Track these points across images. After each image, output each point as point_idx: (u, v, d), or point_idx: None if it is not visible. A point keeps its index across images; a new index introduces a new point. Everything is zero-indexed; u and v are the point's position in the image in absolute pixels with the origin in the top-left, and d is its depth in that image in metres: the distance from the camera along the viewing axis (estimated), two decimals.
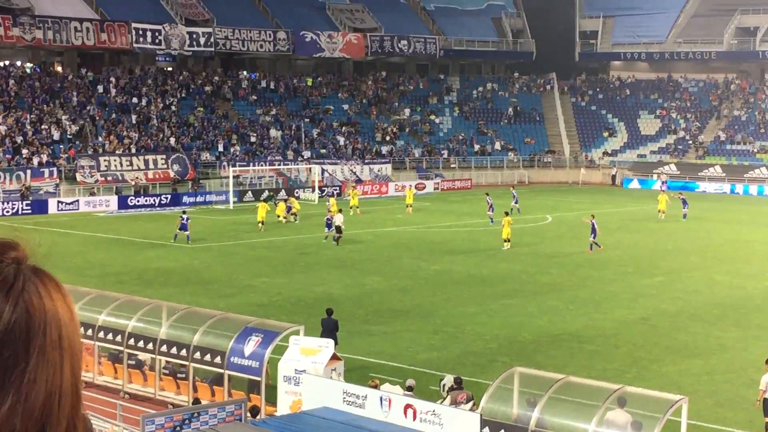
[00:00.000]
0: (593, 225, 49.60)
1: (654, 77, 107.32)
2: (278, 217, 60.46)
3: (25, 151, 71.93)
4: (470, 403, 22.08)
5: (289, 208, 61.87)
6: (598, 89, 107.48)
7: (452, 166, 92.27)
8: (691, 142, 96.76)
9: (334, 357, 23.98)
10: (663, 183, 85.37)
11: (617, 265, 45.83)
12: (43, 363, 1.80)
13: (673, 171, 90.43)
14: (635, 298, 38.16)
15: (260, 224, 57.26)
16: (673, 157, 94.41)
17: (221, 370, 24.52)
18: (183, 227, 52.51)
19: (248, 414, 21.55)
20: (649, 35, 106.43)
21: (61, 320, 1.84)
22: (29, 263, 1.90)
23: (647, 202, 70.93)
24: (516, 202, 65.09)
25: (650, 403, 20.33)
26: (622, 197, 79.64)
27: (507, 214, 51.50)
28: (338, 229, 52.10)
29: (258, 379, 23.98)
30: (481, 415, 20.12)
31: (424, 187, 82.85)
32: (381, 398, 21.70)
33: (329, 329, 27.38)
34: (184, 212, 55.60)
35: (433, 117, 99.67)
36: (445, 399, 22.73)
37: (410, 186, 75.50)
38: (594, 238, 49.63)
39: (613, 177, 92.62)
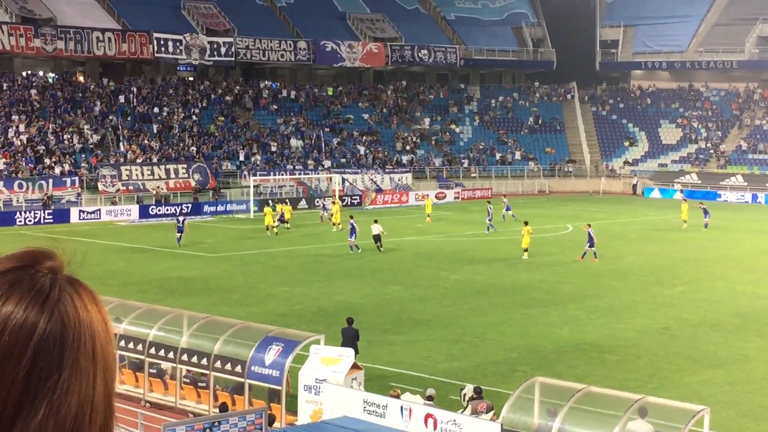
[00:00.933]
0: (590, 234, 49.53)
1: (675, 86, 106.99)
2: (266, 228, 59.78)
3: (47, 161, 72.30)
4: (491, 413, 22.04)
5: (282, 217, 61.48)
6: (618, 98, 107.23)
7: (473, 175, 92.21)
8: (712, 151, 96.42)
9: (355, 366, 23.97)
10: (680, 192, 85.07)
11: (638, 274, 45.66)
12: (77, 375, 1.79)
13: (694, 180, 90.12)
14: (656, 308, 38.01)
15: (267, 230, 59.01)
16: (694, 166, 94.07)
17: (242, 379, 24.54)
18: (179, 230, 53.46)
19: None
20: (670, 44, 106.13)
21: (95, 332, 1.83)
22: (65, 273, 1.89)
23: (668, 212, 70.71)
24: (508, 209, 65.79)
25: (672, 413, 20.26)
26: (642, 207, 79.38)
27: (526, 223, 51.35)
28: (376, 238, 51.94)
29: (278, 388, 23.99)
30: (501, 425, 20.08)
31: (445, 197, 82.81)
32: (401, 408, 21.70)
33: (350, 338, 27.36)
34: (181, 213, 56.42)
35: (453, 126, 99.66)
36: (465, 409, 22.69)
37: (429, 196, 75.33)
38: (591, 246, 49.52)
39: (634, 186, 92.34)
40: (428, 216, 66.31)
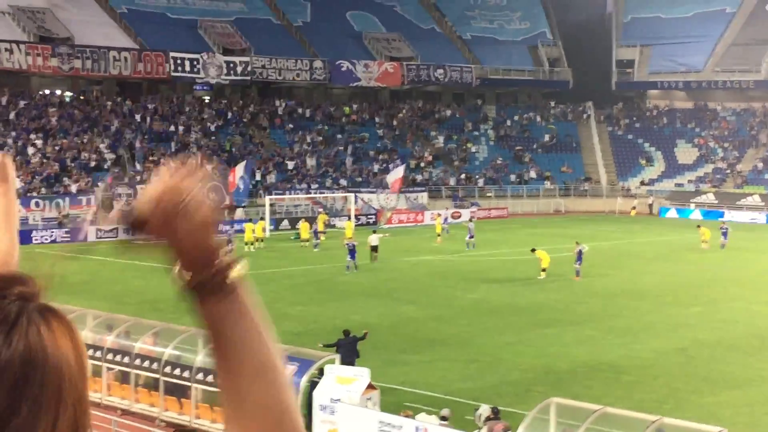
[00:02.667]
0: (580, 252, 49.54)
1: (691, 106, 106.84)
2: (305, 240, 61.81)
3: (63, 179, 72.55)
4: None
5: (315, 232, 62.60)
6: (635, 118, 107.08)
7: (488, 194, 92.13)
8: (729, 171, 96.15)
9: (370, 386, 23.91)
10: (698, 228, 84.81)
11: (655, 295, 45.48)
12: (35, 414, 1.59)
13: (711, 200, 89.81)
14: (673, 329, 37.82)
15: (304, 242, 61.91)
16: (711, 186, 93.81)
17: None
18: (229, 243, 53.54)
19: None
20: (686, 64, 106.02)
21: (64, 367, 1.63)
22: (38, 301, 1.67)
23: (684, 232, 70.45)
24: (471, 237, 62.52)
25: None
26: (659, 226, 79.12)
27: (533, 251, 51.20)
28: (374, 249, 54.39)
29: None
30: None
31: (460, 216, 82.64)
32: (416, 428, 21.61)
33: (347, 346, 27.84)
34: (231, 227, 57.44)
35: (469, 145, 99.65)
36: (481, 429, 22.60)
37: (439, 214, 74.33)
38: (578, 264, 49.52)
39: (650, 206, 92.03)
40: (438, 236, 66.12)
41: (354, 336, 28.74)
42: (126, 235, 1.90)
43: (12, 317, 1.61)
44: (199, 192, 1.86)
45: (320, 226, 64.60)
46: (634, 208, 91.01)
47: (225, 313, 1.87)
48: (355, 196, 79.74)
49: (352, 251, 51.58)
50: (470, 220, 70.16)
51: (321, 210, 74.23)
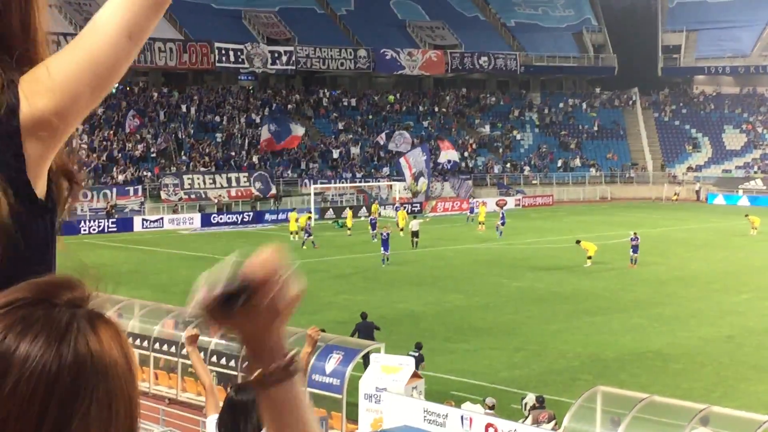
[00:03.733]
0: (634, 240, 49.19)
1: (739, 91, 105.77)
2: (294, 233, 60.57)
3: (111, 170, 73.16)
4: (552, 423, 21.88)
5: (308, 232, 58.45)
6: (681, 104, 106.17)
7: (533, 182, 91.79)
8: None
9: (415, 375, 23.93)
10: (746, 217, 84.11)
11: (703, 282, 45.11)
12: (86, 426, 1.55)
13: (759, 186, 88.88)
14: (721, 316, 37.51)
15: (348, 230, 62.37)
16: (759, 172, 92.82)
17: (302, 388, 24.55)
18: (307, 233, 56.81)
19: None
20: (733, 49, 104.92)
21: (113, 377, 1.60)
22: (87, 307, 1.63)
23: (733, 218, 69.79)
24: (503, 224, 61.83)
25: (738, 423, 19.96)
26: (706, 213, 78.44)
27: (578, 242, 50.87)
28: (414, 234, 55.62)
29: (339, 396, 24.01)
30: None
31: (505, 203, 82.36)
32: (462, 417, 21.60)
33: (365, 331, 28.19)
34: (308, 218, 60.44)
35: (514, 133, 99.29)
36: (526, 418, 22.55)
37: (483, 203, 74.21)
38: (633, 253, 49.11)
39: (698, 192, 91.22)
40: (481, 224, 65.62)
41: (371, 322, 29.57)
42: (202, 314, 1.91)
43: (62, 327, 1.57)
44: (287, 284, 1.90)
45: (401, 221, 62.81)
46: (676, 194, 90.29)
47: (284, 399, 1.94)
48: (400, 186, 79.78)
49: (385, 242, 50.61)
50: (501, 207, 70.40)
51: (375, 200, 74.08)
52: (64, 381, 1.54)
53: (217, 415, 6.25)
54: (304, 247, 55.82)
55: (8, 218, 1.95)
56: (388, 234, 50.90)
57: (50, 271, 2.09)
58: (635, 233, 50.49)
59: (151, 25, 2.09)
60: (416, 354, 26.70)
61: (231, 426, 5.89)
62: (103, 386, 1.57)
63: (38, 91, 1.95)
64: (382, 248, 50.67)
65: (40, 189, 2.07)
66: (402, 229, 61.07)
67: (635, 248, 49.51)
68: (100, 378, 1.57)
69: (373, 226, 59.87)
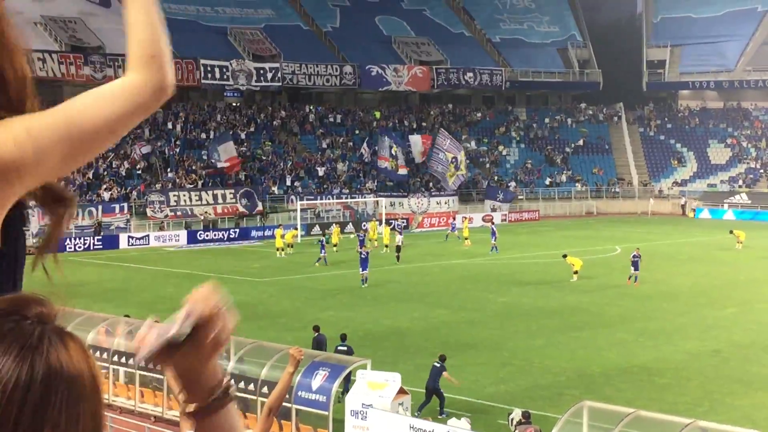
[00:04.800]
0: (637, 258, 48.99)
1: (723, 106, 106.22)
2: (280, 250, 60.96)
3: (97, 188, 73.00)
4: None
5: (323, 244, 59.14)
6: (666, 118, 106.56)
7: (519, 197, 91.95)
8: (762, 170, 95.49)
9: (401, 391, 23.92)
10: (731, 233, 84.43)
11: (688, 296, 45.23)
12: None
13: (744, 200, 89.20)
14: (707, 330, 37.60)
15: (335, 247, 61.56)
16: (744, 186, 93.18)
17: (288, 405, 24.53)
18: (322, 247, 56.90)
19: None
20: (717, 63, 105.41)
21: (81, 387, 1.64)
22: (55, 322, 1.68)
23: (718, 233, 70.01)
24: (494, 239, 62.28)
25: None
26: (692, 227, 78.69)
27: (565, 256, 50.84)
28: (397, 249, 56.91)
29: (325, 413, 23.97)
30: None
31: (492, 219, 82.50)
32: None
33: (320, 346, 28.75)
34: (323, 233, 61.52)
35: (500, 148, 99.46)
36: None
37: (466, 218, 74.31)
38: (634, 270, 48.90)
39: (683, 207, 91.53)
40: (466, 239, 65.98)
41: (323, 335, 30.35)
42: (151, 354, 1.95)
43: (35, 340, 1.62)
44: (227, 319, 1.96)
45: (372, 234, 64.60)
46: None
47: (220, 425, 2.01)
48: (391, 202, 79.78)
49: (364, 261, 49.54)
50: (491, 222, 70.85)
51: (374, 219, 73.73)
52: (37, 390, 1.59)
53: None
54: (317, 264, 56.18)
55: None
56: (367, 253, 50.49)
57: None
58: (637, 249, 50.01)
59: (135, 124, 2.15)
60: (438, 365, 26.94)
61: None
62: (72, 396, 1.63)
63: (7, 140, 1.96)
64: (360, 268, 49.61)
65: None
66: (387, 246, 61.28)
67: (635, 264, 48.53)
68: (70, 389, 1.63)
69: (361, 243, 59.68)
